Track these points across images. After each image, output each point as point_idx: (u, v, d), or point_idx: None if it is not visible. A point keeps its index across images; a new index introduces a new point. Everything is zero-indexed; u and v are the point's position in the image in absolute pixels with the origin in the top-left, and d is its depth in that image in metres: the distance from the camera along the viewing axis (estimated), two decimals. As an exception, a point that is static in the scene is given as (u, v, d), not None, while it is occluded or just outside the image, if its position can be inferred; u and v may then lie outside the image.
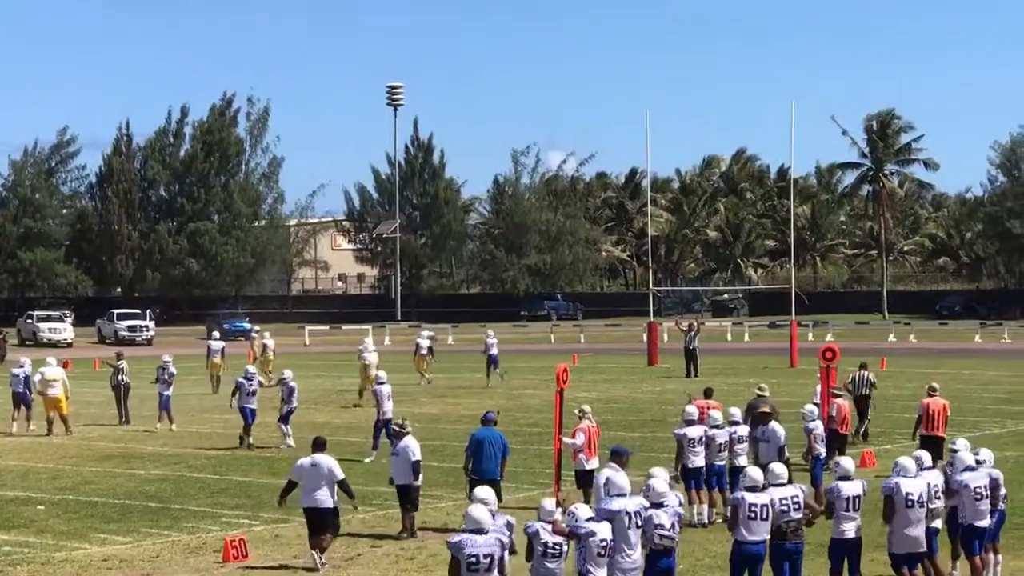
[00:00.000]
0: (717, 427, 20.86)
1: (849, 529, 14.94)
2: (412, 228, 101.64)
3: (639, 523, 13.47)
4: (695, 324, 50.07)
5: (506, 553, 12.28)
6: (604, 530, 12.95)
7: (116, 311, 80.00)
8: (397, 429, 20.11)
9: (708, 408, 21.92)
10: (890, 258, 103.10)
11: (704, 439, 20.61)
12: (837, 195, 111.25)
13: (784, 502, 14.52)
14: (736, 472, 19.41)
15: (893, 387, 39.63)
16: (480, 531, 12.09)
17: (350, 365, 42.37)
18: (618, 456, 16.24)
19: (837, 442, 24.07)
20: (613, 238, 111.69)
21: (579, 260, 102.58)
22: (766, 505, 14.41)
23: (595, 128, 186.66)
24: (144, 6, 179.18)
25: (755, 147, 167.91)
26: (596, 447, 21.17)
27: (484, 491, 12.85)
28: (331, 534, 18.02)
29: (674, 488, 14.66)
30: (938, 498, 15.50)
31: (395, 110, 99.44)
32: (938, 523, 15.48)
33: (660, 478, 14.04)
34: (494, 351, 45.46)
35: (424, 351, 46.31)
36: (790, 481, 15.06)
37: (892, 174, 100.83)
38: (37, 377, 32.98)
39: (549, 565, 12.63)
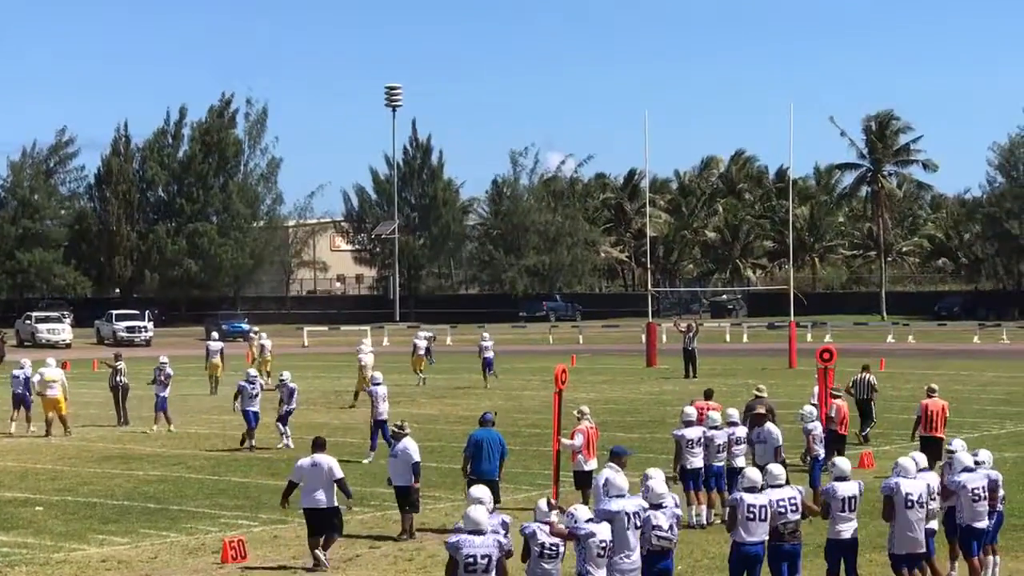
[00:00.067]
0: (716, 428, 20.87)
1: (845, 530, 14.94)
2: (411, 229, 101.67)
3: (638, 524, 13.48)
4: (694, 325, 50.11)
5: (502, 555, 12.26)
6: (603, 531, 12.95)
7: (115, 312, 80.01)
8: (396, 430, 20.10)
9: (707, 409, 21.93)
10: (889, 259, 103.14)
11: (703, 440, 20.61)
12: (836, 196, 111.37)
13: (781, 504, 14.52)
14: (734, 473, 19.41)
15: (892, 388, 39.63)
16: (478, 532, 12.09)
17: (348, 366, 42.42)
18: (617, 457, 16.24)
19: (836, 443, 24.06)
20: (612, 239, 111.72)
21: (578, 261, 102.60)
22: (764, 506, 14.41)
23: (594, 129, 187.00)
24: (143, 6, 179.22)
25: (754, 148, 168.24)
26: (595, 448, 21.16)
27: (479, 490, 12.85)
28: (336, 534, 18.04)
29: (671, 489, 14.66)
30: (934, 499, 15.50)
31: (394, 111, 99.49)
32: (934, 524, 15.48)
33: (659, 479, 14.05)
34: (489, 354, 45.37)
35: (421, 351, 46.32)
36: (788, 482, 15.06)
37: (891, 175, 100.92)
38: (36, 378, 32.98)
39: (546, 566, 12.63)
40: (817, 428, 22.38)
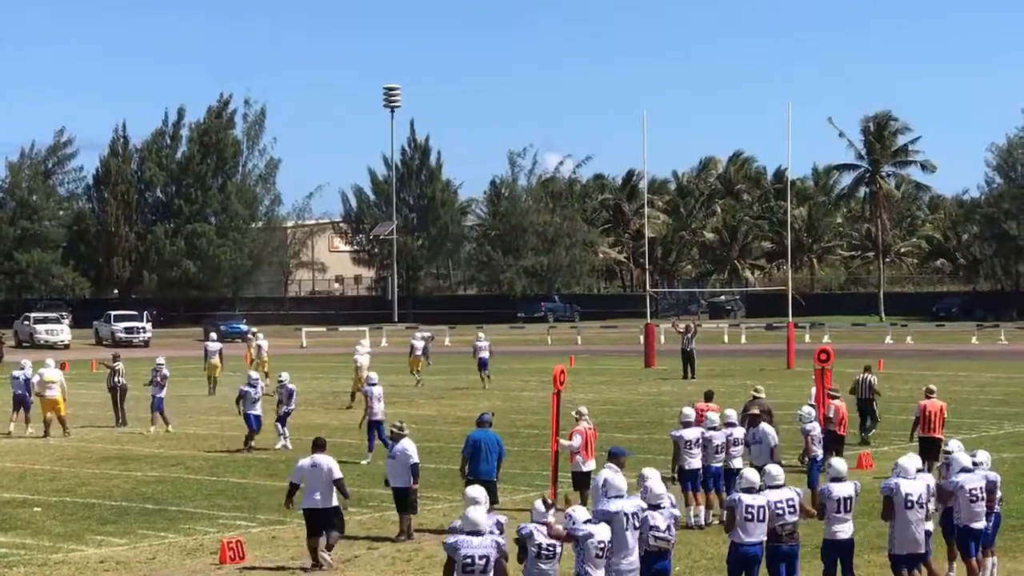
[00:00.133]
0: (714, 429, 20.88)
1: (841, 530, 14.95)
2: (409, 230, 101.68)
3: (637, 524, 13.49)
4: (692, 326, 50.13)
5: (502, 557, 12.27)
6: (602, 532, 12.95)
7: (113, 313, 79.95)
8: (395, 431, 20.10)
9: (706, 410, 21.94)
10: (887, 260, 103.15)
11: (701, 441, 20.62)
12: (834, 197, 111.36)
13: (779, 506, 14.52)
14: (732, 474, 19.41)
15: (890, 389, 39.59)
16: (477, 533, 12.10)
17: (347, 367, 42.40)
18: (616, 457, 16.25)
19: (835, 443, 24.08)
20: (610, 240, 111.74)
21: (576, 262, 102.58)
22: (763, 507, 14.42)
23: (592, 130, 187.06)
24: (141, 7, 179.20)
25: (752, 149, 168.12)
26: (593, 449, 21.18)
27: (475, 490, 12.87)
28: (337, 532, 18.04)
29: (669, 489, 14.66)
30: (929, 501, 15.49)
31: (392, 112, 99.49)
32: (929, 525, 15.49)
33: (656, 478, 14.06)
34: (484, 354, 45.33)
35: (418, 352, 46.32)
36: (785, 484, 15.06)
37: (889, 176, 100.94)
38: (36, 379, 32.99)
39: (543, 566, 12.63)
40: (815, 429, 22.40)
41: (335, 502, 17.98)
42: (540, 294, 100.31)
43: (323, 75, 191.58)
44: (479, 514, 12.23)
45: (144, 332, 76.74)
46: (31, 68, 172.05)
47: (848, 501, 14.92)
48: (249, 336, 54.96)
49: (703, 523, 20.20)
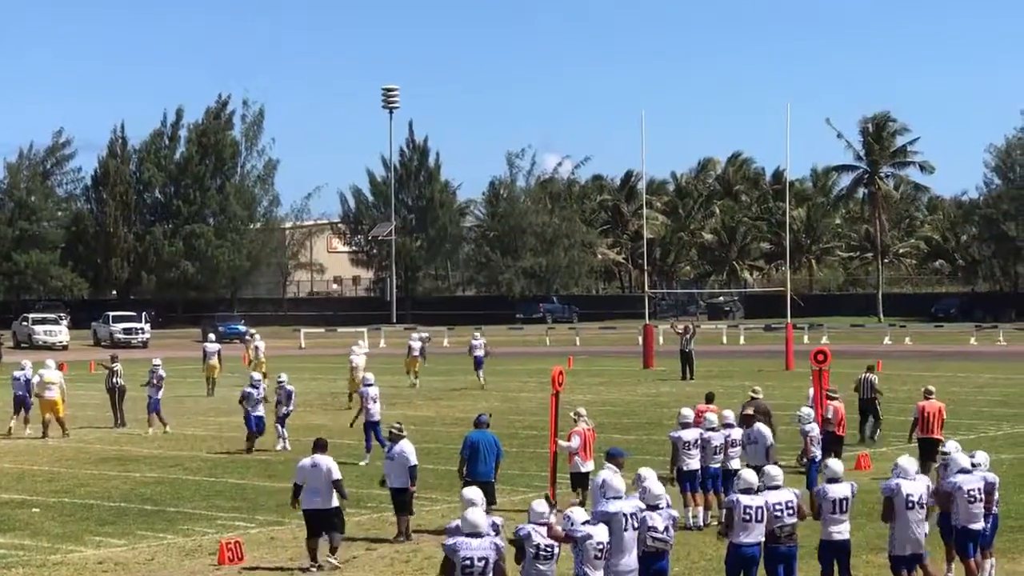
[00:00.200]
0: (712, 430, 20.88)
1: (837, 531, 14.94)
2: (407, 231, 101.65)
3: (635, 525, 13.49)
4: (691, 327, 50.16)
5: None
6: (601, 532, 12.96)
7: (111, 314, 79.89)
8: (394, 433, 20.10)
9: (705, 411, 21.95)
10: (885, 261, 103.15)
11: (699, 442, 20.63)
12: (832, 198, 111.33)
13: (778, 507, 14.52)
14: (730, 475, 19.41)
15: (889, 390, 39.51)
16: (476, 534, 12.10)
17: (345, 368, 42.35)
18: (614, 458, 16.24)
19: (834, 444, 24.08)
20: (609, 241, 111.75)
21: (575, 263, 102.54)
22: (761, 507, 14.42)
23: (591, 130, 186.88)
24: (140, 7, 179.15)
25: (751, 150, 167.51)
26: (591, 450, 21.19)
27: (472, 491, 12.88)
28: (339, 534, 18.04)
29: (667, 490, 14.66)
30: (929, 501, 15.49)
31: (390, 113, 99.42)
32: (925, 526, 15.48)
33: (653, 478, 14.07)
34: (479, 353, 45.40)
35: (416, 352, 46.31)
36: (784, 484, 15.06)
37: (888, 177, 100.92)
38: (36, 379, 32.99)
39: (541, 567, 12.63)
40: (814, 430, 22.40)
41: (335, 503, 17.99)
42: (539, 295, 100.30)
43: (322, 76, 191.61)
44: (478, 516, 12.23)
45: (142, 333, 76.71)
46: (30, 68, 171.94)
47: (844, 502, 14.92)
48: (247, 337, 54.92)
49: (702, 524, 20.20)
